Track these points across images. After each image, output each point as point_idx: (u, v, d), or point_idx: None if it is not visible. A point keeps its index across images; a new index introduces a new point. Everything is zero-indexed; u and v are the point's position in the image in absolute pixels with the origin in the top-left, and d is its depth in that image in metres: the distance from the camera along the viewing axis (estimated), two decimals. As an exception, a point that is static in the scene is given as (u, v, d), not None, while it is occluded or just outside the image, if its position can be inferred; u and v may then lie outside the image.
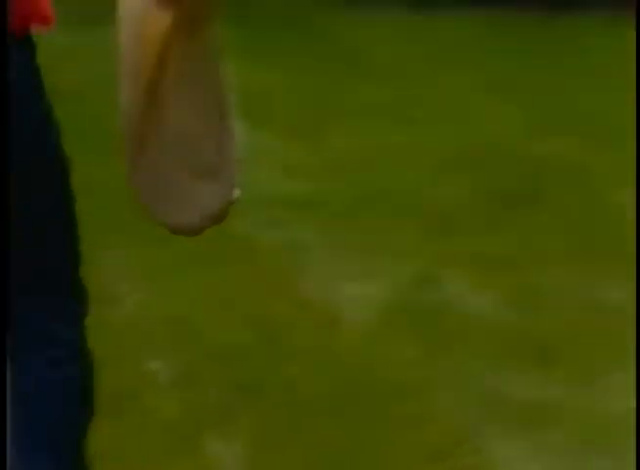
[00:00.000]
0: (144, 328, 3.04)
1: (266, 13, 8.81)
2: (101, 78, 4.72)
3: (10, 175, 2.68)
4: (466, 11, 6.17)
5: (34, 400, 2.53)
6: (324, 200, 4.00)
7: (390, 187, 4.31)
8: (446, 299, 3.82)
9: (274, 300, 3.68)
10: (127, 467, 2.82)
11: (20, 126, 2.44)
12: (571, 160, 4.38)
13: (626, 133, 4.63)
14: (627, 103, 4.88)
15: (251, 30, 7.02)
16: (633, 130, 4.38)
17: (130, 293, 3.43)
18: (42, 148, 2.41)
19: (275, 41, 6.56)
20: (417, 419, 3.12)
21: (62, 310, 2.59)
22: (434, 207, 4.16)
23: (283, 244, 4.05)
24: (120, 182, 3.36)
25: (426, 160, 4.51)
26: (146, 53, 2.30)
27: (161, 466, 2.94)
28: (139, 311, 3.18)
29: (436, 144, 4.80)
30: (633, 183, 4.30)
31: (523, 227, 3.83)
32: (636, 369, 3.21)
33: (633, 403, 3.15)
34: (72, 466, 2.57)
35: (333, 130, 4.93)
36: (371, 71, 5.37)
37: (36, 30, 2.48)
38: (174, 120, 2.25)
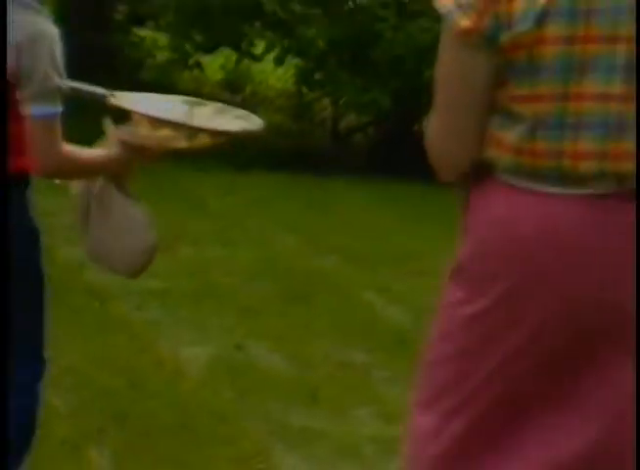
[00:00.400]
0: (51, 374, 2.79)
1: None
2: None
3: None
4: (267, 173, 6.15)
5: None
6: (174, 292, 3.99)
7: (218, 284, 4.34)
8: (252, 358, 3.71)
9: (139, 357, 3.59)
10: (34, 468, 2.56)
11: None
12: (333, 272, 4.49)
13: (374, 253, 4.68)
14: (367, 236, 5.17)
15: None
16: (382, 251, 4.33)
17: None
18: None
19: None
20: (230, 438, 3.09)
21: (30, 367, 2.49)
22: (247, 300, 4.18)
23: (146, 320, 3.94)
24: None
25: (240, 268, 4.60)
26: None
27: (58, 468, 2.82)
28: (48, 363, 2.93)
29: (247, 258, 4.86)
30: (376, 287, 4.33)
31: (302, 314, 3.92)
32: (636, 369, 3.00)
33: (375, 430, 3.20)
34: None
35: (181, 247, 4.94)
36: (207, 211, 5.44)
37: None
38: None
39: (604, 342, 1.74)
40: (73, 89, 2.41)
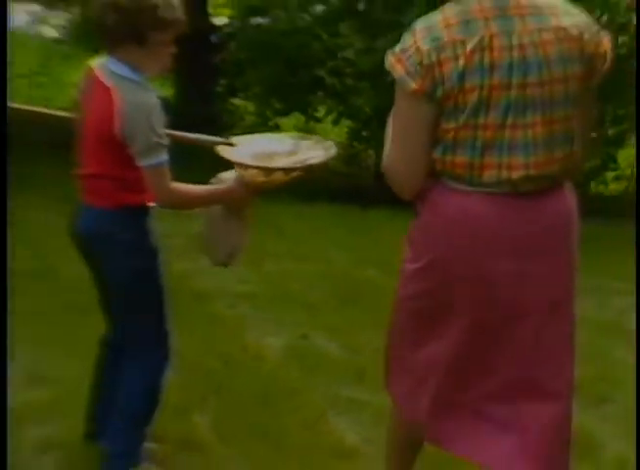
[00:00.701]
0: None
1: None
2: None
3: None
4: (326, 205, 6.17)
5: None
6: (258, 295, 3.88)
7: (290, 289, 4.15)
8: (314, 346, 3.54)
9: (231, 345, 3.49)
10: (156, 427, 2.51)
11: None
12: (375, 280, 4.37)
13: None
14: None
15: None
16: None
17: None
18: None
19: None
20: (298, 408, 2.95)
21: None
22: (311, 301, 4.08)
23: (236, 316, 3.81)
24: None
25: (307, 277, 4.46)
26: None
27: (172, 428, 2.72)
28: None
29: (311, 269, 4.69)
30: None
31: (352, 312, 3.80)
32: (636, 369, 3.01)
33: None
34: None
35: (264, 262, 4.80)
36: (283, 234, 5.22)
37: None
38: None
39: (508, 303, 1.84)
40: (199, 139, 2.38)
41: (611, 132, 6.25)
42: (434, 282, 1.89)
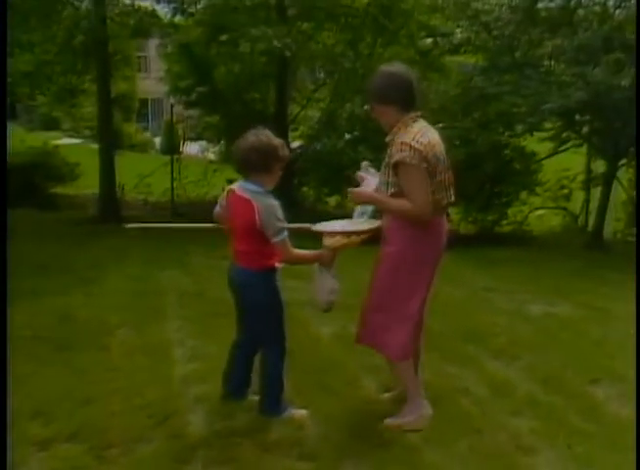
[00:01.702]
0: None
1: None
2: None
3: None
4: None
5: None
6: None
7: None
8: (350, 333, 3.64)
9: (298, 333, 3.92)
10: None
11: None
12: None
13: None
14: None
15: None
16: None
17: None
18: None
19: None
20: (337, 373, 3.60)
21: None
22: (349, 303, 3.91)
23: (306, 316, 4.49)
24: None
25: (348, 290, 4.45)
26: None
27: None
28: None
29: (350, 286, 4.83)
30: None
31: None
32: (636, 370, 3.42)
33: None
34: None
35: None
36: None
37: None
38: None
39: (438, 262, 3.07)
40: (298, 227, 2.88)
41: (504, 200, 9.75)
42: (429, 257, 2.91)
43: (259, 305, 2.93)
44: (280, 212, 2.72)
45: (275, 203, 2.72)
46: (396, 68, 3.00)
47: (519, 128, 8.93)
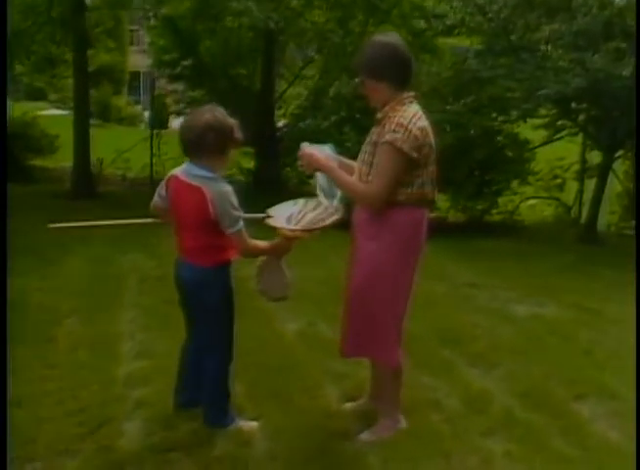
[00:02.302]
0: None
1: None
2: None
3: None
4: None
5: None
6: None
7: (311, 293, 4.57)
8: (318, 331, 4.11)
9: (264, 331, 4.03)
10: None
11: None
12: None
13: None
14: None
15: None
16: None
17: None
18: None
19: None
20: (302, 367, 3.52)
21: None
22: (320, 298, 4.77)
23: (266, 309, 4.29)
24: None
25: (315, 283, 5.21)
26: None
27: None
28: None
29: (313, 275, 5.42)
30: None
31: None
32: (636, 369, 3.34)
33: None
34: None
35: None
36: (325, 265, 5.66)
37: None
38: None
39: (419, 255, 2.93)
40: (250, 217, 2.72)
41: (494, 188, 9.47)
42: (413, 255, 2.78)
43: (214, 305, 2.72)
44: (235, 199, 2.51)
45: (229, 189, 2.50)
46: (391, 37, 2.76)
47: (512, 114, 8.66)
